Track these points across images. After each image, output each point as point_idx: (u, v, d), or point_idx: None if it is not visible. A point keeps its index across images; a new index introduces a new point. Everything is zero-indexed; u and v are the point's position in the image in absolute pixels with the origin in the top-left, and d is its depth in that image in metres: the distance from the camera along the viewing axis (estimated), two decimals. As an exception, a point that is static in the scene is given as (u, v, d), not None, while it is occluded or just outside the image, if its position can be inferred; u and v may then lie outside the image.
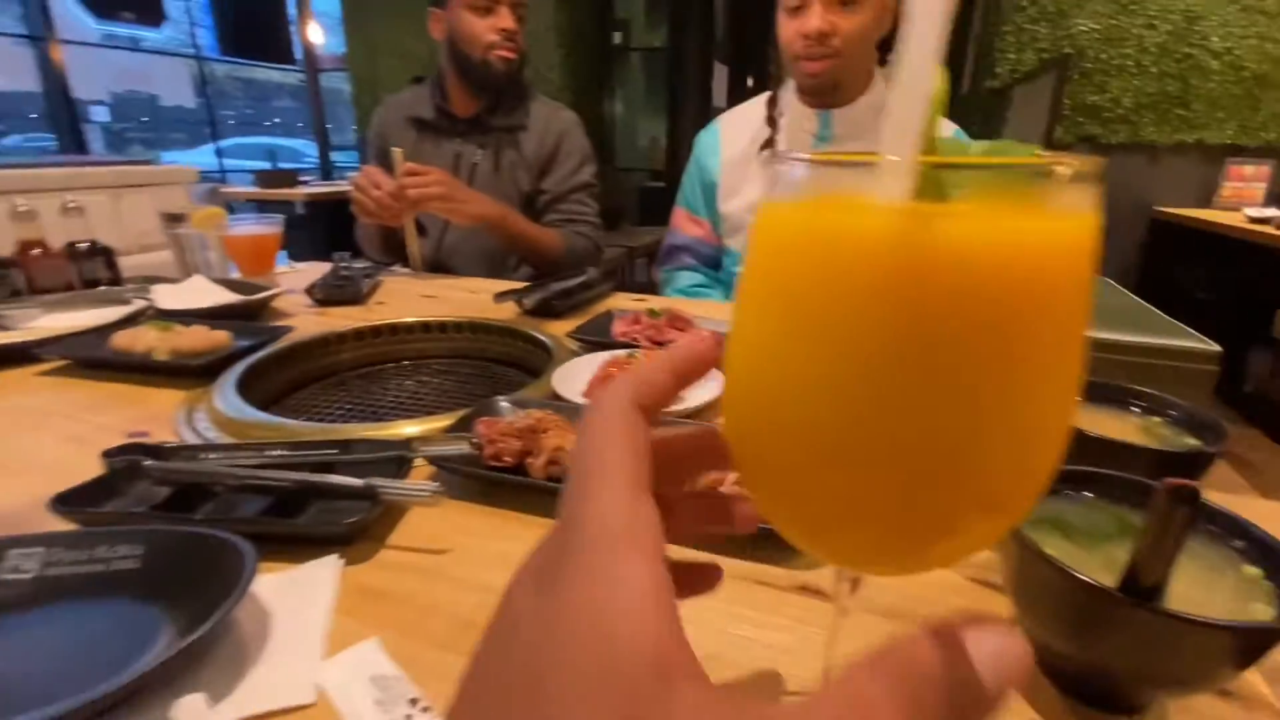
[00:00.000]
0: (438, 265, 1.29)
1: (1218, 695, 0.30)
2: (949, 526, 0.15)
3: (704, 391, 0.58)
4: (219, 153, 4.67)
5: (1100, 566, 0.28)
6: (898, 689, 0.11)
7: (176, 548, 0.35)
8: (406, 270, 1.25)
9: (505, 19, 1.15)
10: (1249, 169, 2.45)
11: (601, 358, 0.64)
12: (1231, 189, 2.48)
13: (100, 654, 0.31)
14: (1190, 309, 2.26)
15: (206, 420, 0.54)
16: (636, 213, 3.95)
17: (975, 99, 2.84)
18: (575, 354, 0.73)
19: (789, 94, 1.05)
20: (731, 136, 1.12)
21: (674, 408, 0.56)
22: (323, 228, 3.04)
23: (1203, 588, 0.27)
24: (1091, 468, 0.32)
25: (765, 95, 1.13)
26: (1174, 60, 2.44)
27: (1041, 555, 0.26)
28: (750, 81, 3.78)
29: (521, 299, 0.88)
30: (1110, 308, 2.50)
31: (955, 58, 3.11)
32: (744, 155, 1.09)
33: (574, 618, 0.12)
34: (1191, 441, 0.39)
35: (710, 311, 0.94)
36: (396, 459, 0.44)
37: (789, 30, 0.94)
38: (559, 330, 0.80)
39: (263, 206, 3.41)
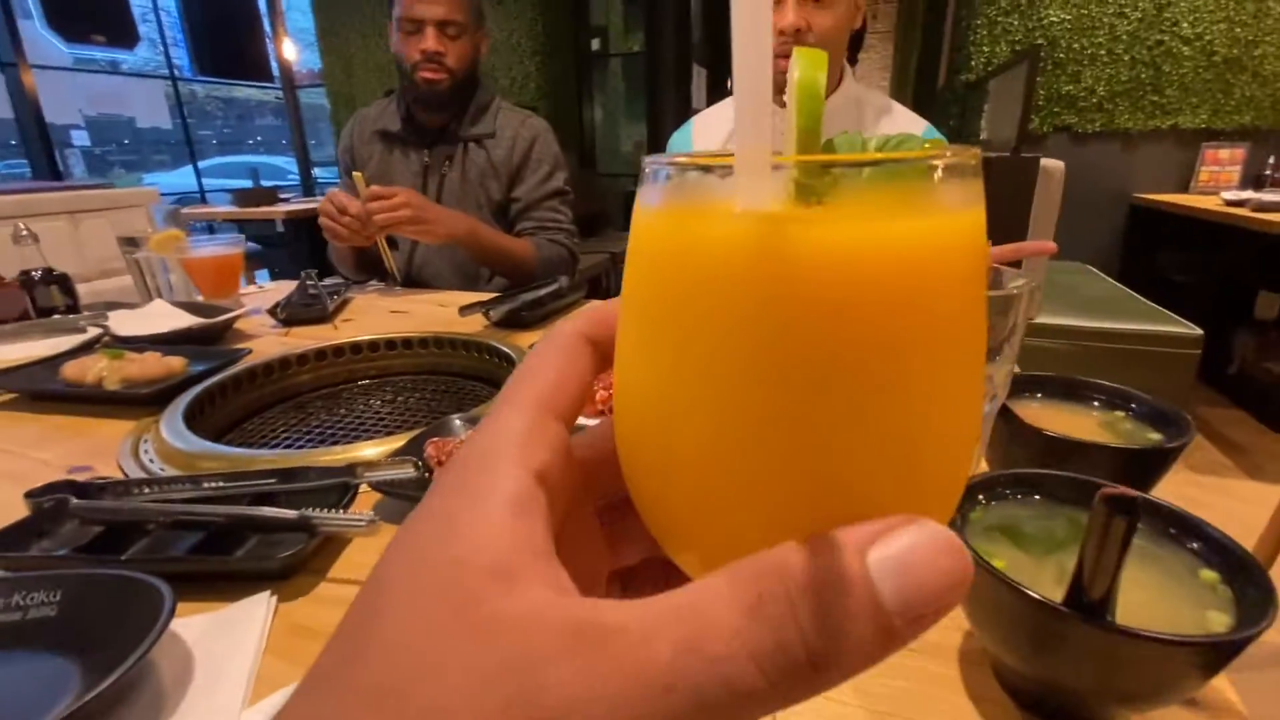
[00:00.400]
0: (410, 279, 1.27)
1: (1184, 705, 0.28)
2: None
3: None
4: (199, 173, 4.63)
5: (1053, 579, 0.26)
6: (745, 588, 0.10)
7: (95, 592, 0.33)
8: (381, 286, 1.23)
9: (429, 40, 1.14)
10: (1224, 153, 2.47)
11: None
12: (1208, 173, 2.50)
13: (7, 710, 0.29)
14: (1172, 294, 2.29)
15: (152, 452, 0.52)
16: (620, 218, 3.94)
17: (951, 93, 2.85)
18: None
19: None
20: (705, 137, 1.11)
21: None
22: (305, 244, 3.01)
23: (1159, 595, 0.26)
24: (1043, 469, 0.31)
25: (725, 102, 1.13)
26: (1145, 47, 2.46)
27: (989, 569, 0.25)
28: (730, 83, 3.80)
29: (489, 311, 0.87)
30: (1093, 295, 2.50)
31: (930, 53, 3.13)
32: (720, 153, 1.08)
33: (425, 532, 0.12)
34: (1154, 436, 0.38)
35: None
36: (340, 486, 0.42)
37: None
38: (527, 341, 0.78)
39: (242, 226, 3.39)
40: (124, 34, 3.21)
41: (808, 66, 0.14)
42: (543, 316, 0.91)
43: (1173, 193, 2.56)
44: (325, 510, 0.38)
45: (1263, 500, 1.73)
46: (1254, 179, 2.44)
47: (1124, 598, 0.23)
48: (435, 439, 0.48)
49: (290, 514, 0.37)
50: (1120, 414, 0.41)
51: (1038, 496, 0.31)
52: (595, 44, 4.12)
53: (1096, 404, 0.42)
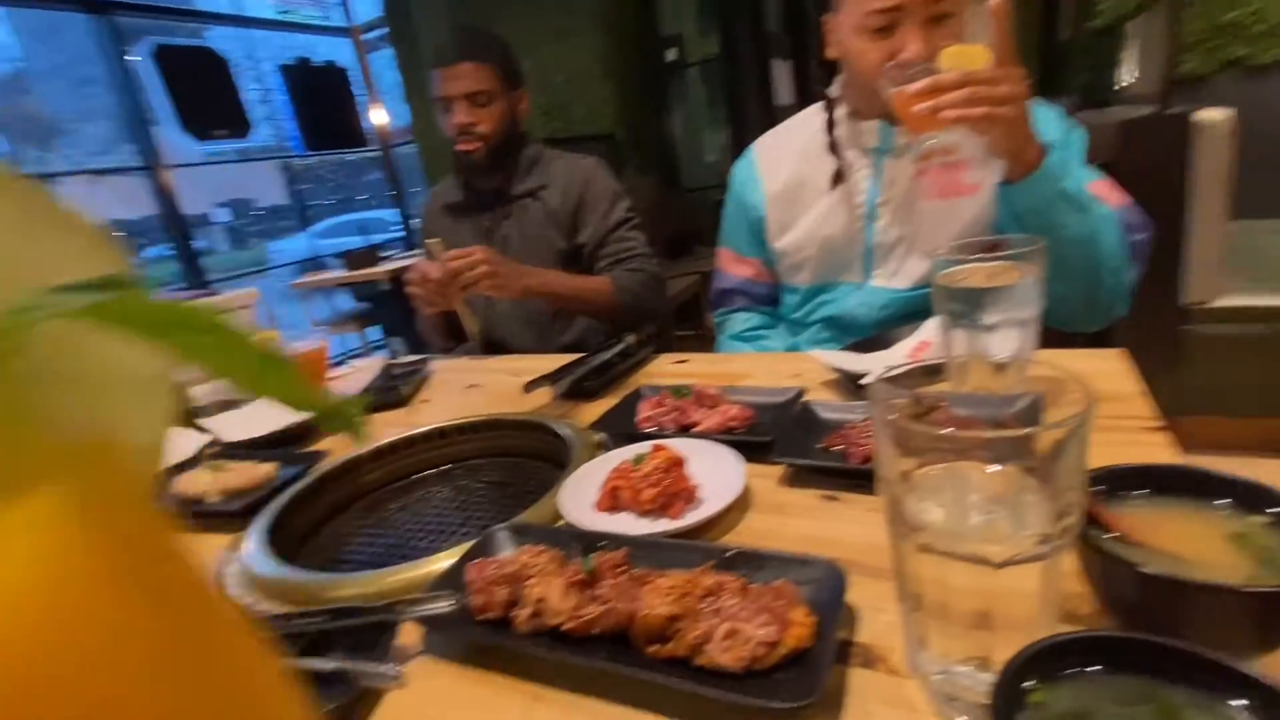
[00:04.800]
0: (488, 341, 1.34)
1: None
2: None
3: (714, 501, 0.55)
4: (307, 237, 5.22)
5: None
6: None
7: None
8: (467, 350, 1.31)
9: (459, 114, 1.23)
10: None
11: (615, 459, 0.62)
12: None
13: None
14: None
15: (235, 578, 0.58)
16: (710, 233, 3.93)
17: (1079, 44, 2.57)
18: (602, 446, 0.72)
19: (840, 111, 0.99)
20: (772, 166, 1.08)
21: (675, 523, 0.53)
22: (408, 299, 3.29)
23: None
24: (1129, 630, 0.26)
25: (804, 114, 1.08)
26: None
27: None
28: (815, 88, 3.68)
29: (555, 383, 0.89)
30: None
31: (1049, 6, 2.83)
32: (793, 183, 1.03)
33: None
34: (1308, 558, 0.31)
35: (756, 370, 0.91)
36: (380, 625, 0.45)
37: (874, 54, 0.85)
38: (595, 413, 0.79)
39: (355, 289, 3.75)
40: (240, 125, 3.70)
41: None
42: (608, 382, 0.92)
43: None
44: (360, 658, 0.41)
45: None
46: None
47: None
48: (477, 560, 0.49)
49: (327, 666, 0.40)
50: (1258, 520, 0.34)
51: (1099, 668, 0.26)
52: (671, 54, 4.15)
53: (1225, 504, 0.35)
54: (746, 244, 1.12)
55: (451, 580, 0.48)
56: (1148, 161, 1.57)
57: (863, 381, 0.73)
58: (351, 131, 4.53)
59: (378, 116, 4.40)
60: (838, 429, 0.62)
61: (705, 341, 3.44)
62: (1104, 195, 0.85)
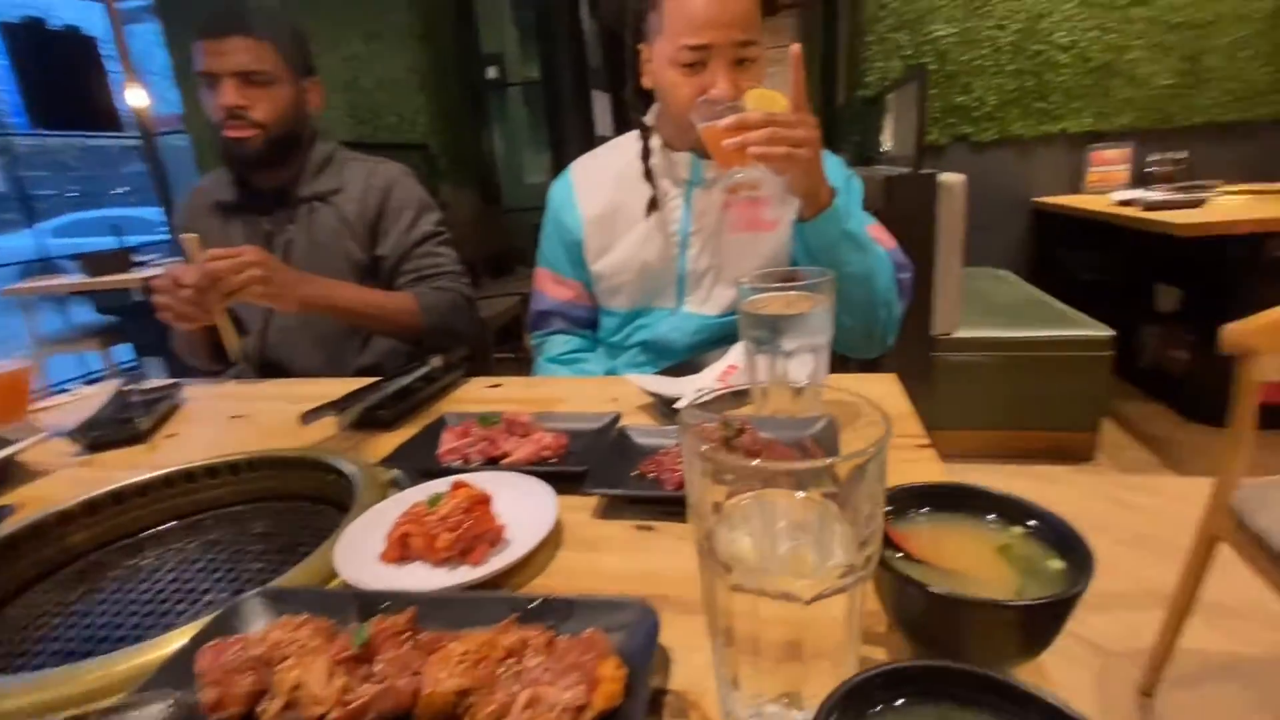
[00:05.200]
0: (266, 364, 1.16)
1: None
2: None
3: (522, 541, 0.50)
4: (34, 234, 4.26)
5: None
6: None
7: None
8: (240, 374, 1.11)
9: (228, 94, 1.05)
10: (1110, 153, 2.66)
11: (409, 500, 0.54)
12: (1097, 174, 2.68)
13: None
14: (1080, 292, 2.41)
15: None
16: (531, 254, 3.89)
17: (851, 109, 2.97)
18: (394, 485, 0.63)
19: (656, 142, 1.01)
20: (589, 189, 1.06)
21: (477, 571, 0.47)
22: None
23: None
24: (922, 659, 0.26)
25: (620, 141, 1.09)
26: (1026, 58, 2.63)
27: None
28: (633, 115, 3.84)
29: (341, 412, 0.78)
30: (1008, 302, 2.62)
31: (827, 70, 3.25)
32: (610, 207, 1.03)
33: None
34: (1055, 565, 0.35)
35: (574, 394, 0.87)
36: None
37: (685, 88, 0.89)
38: (392, 443, 0.70)
39: (98, 299, 3.09)
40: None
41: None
42: (410, 409, 0.83)
43: (1067, 194, 2.73)
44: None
45: (1187, 496, 1.82)
46: (1141, 177, 2.64)
47: None
48: (215, 642, 0.39)
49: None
50: (1019, 531, 0.37)
51: (924, 700, 0.26)
52: (492, 72, 4.08)
53: (992, 518, 0.38)
54: (565, 265, 1.10)
55: (174, 673, 0.37)
56: (905, 212, 1.83)
57: (677, 405, 0.73)
58: (98, 111, 3.79)
59: (136, 98, 3.73)
60: (652, 455, 0.61)
61: (525, 364, 3.37)
62: (878, 238, 0.95)
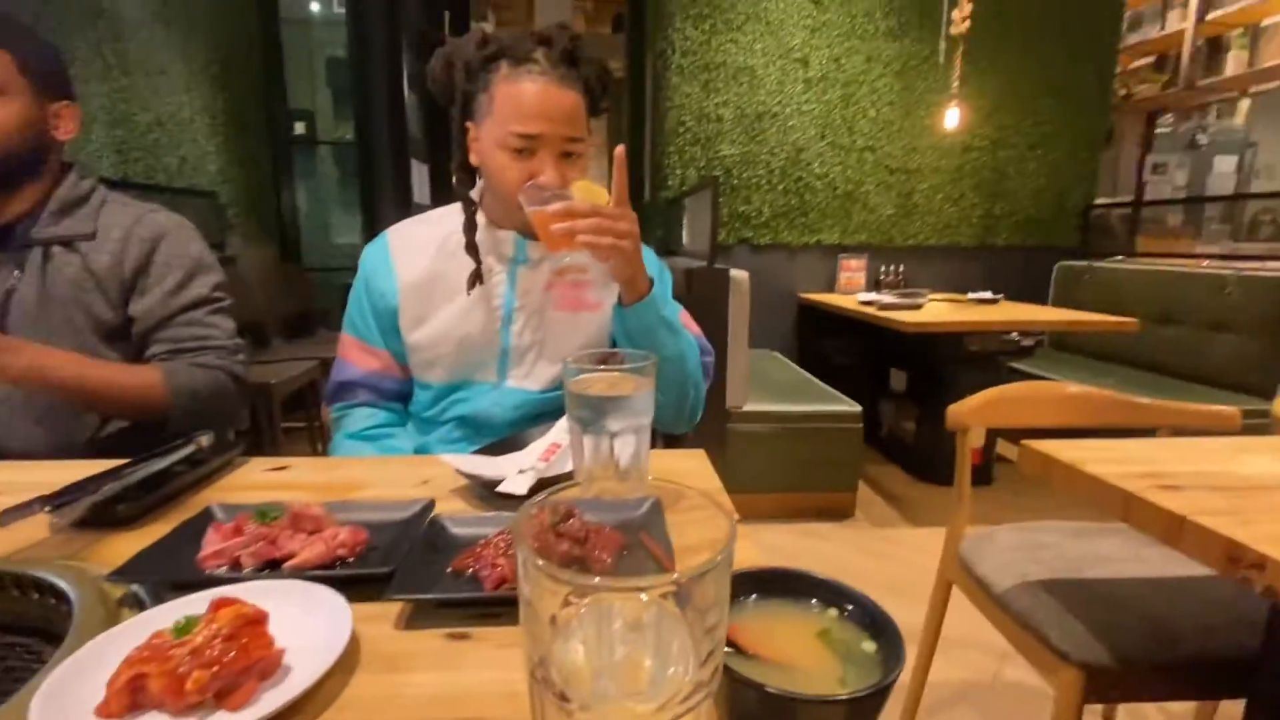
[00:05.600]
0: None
1: None
2: None
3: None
4: None
5: None
6: None
7: None
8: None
9: None
10: (854, 262, 3.17)
11: (153, 625, 0.41)
12: (846, 278, 3.18)
13: None
14: (836, 372, 2.78)
15: None
16: (335, 315, 3.54)
17: (655, 208, 3.21)
18: (131, 605, 0.48)
19: (481, 218, 0.97)
20: (408, 254, 0.98)
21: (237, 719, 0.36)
22: None
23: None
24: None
25: (443, 211, 1.03)
26: (792, 181, 3.09)
27: None
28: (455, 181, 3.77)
29: (57, 509, 0.59)
30: (781, 380, 2.90)
31: (635, 172, 3.51)
32: (429, 276, 0.96)
33: None
34: (868, 647, 0.35)
35: (378, 477, 0.76)
36: None
37: (514, 172, 0.87)
38: (126, 553, 0.53)
39: None
40: None
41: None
42: (162, 500, 0.66)
43: (824, 292, 3.19)
44: None
45: (924, 546, 2.12)
46: (875, 282, 3.18)
47: None
48: None
49: None
50: (834, 614, 0.38)
51: None
52: (300, 128, 3.77)
53: (814, 602, 0.39)
54: (375, 333, 0.99)
55: None
56: (703, 300, 1.98)
57: (500, 489, 0.66)
58: None
59: None
60: (469, 547, 0.54)
61: (322, 437, 2.97)
62: (686, 324, 1.00)
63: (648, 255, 1.02)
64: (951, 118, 2.81)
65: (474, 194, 0.98)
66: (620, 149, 0.80)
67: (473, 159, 0.94)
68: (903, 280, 3.15)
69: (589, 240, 0.76)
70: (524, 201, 0.82)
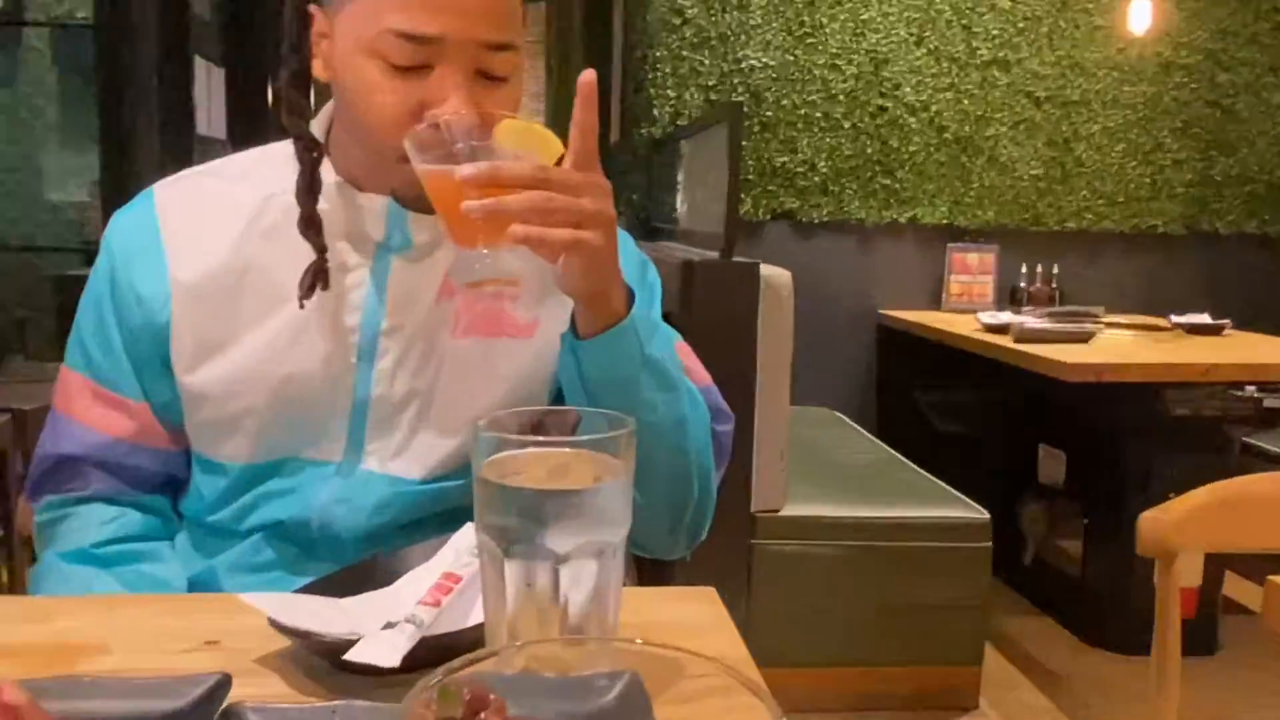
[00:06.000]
0: None
1: None
2: None
3: None
4: None
5: None
6: None
7: None
8: None
9: None
10: (974, 257, 3.27)
11: None
12: (960, 284, 3.28)
13: None
14: (943, 450, 2.79)
15: None
16: (56, 338, 3.50)
17: (625, 154, 3.27)
18: None
19: (328, 172, 0.98)
20: (190, 233, 0.99)
21: None
22: None
23: None
24: None
25: (253, 157, 1.06)
26: (867, 115, 3.21)
27: None
28: (270, 94, 3.80)
29: None
30: (848, 462, 2.94)
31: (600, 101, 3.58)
32: (228, 272, 0.96)
33: None
34: None
35: (120, 637, 0.75)
36: None
37: (394, 100, 0.88)
38: None
39: None
40: None
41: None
42: None
43: (923, 308, 3.28)
44: None
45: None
46: (1011, 292, 3.28)
47: None
48: None
49: None
50: None
51: None
52: (-3, 2, 3.85)
53: None
54: (128, 371, 1.00)
55: None
56: (711, 318, 2.01)
57: (350, 656, 0.67)
58: None
59: None
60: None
61: (15, 558, 2.93)
62: (690, 367, 1.02)
63: (624, 249, 1.04)
64: (1140, 13, 2.95)
65: (316, 129, 1.00)
66: (588, 74, 0.82)
67: (318, 69, 0.97)
68: (1058, 291, 3.26)
69: (532, 233, 0.77)
70: (412, 154, 0.83)
